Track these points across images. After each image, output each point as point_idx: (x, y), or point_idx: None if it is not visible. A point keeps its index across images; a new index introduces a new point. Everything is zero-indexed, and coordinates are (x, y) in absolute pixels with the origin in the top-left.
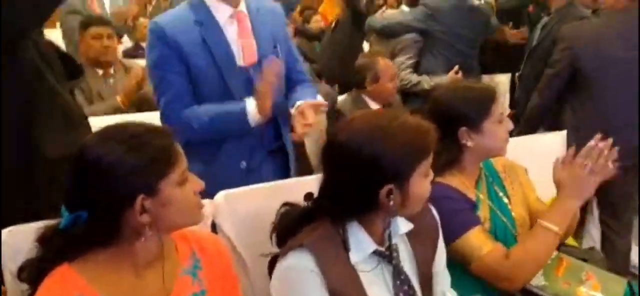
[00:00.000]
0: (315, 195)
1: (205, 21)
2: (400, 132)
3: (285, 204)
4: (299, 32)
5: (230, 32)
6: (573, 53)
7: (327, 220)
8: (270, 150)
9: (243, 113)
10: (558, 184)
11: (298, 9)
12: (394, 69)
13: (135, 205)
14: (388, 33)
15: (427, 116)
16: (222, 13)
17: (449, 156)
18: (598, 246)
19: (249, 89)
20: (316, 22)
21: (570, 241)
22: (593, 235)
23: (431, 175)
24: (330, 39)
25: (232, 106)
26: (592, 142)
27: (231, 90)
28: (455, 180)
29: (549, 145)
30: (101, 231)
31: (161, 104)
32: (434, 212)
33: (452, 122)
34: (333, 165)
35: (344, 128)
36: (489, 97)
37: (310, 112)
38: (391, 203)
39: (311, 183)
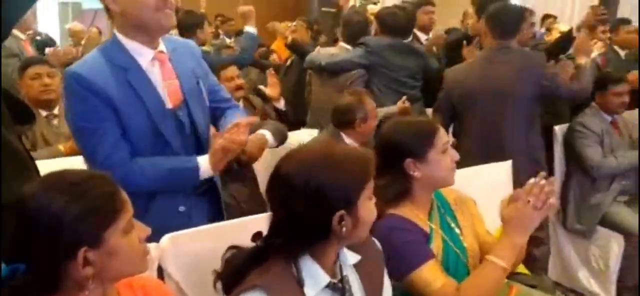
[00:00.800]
0: (265, 233)
1: (129, 65)
2: (343, 159)
3: (231, 248)
4: (255, 63)
5: (154, 74)
6: (445, 91)
7: (279, 257)
8: (201, 192)
9: (196, 169)
10: (504, 220)
11: None
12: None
13: (77, 258)
14: (332, 69)
15: (375, 151)
16: (143, 56)
17: (399, 187)
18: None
19: (181, 132)
20: (273, 60)
21: (520, 268)
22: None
23: (373, 198)
24: (284, 81)
25: (184, 162)
26: (533, 180)
27: (164, 134)
28: (407, 211)
29: (495, 175)
30: (40, 286)
31: (98, 159)
32: (377, 243)
33: (399, 155)
34: (281, 200)
35: (287, 162)
36: (431, 129)
37: (244, 126)
38: (343, 229)
39: (258, 221)
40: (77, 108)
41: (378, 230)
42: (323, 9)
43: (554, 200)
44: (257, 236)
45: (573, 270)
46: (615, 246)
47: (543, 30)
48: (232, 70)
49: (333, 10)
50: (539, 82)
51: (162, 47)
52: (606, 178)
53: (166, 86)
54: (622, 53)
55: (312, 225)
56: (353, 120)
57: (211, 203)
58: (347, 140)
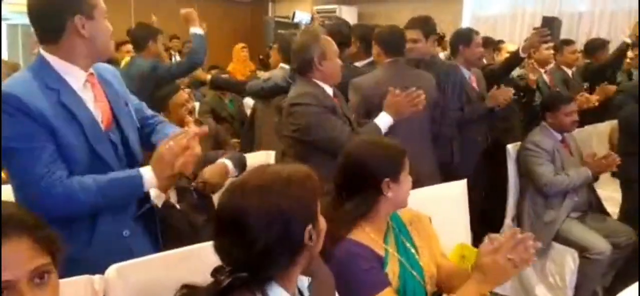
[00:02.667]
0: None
1: (60, 87)
2: (295, 179)
3: (184, 287)
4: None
5: (87, 96)
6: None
7: (245, 291)
8: (139, 215)
9: (139, 177)
10: (480, 268)
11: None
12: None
13: None
14: (267, 93)
15: (342, 170)
16: (75, 78)
17: (367, 209)
18: None
19: (116, 153)
20: None
21: None
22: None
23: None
24: None
25: (126, 173)
26: (519, 236)
27: (102, 155)
28: (364, 235)
29: (450, 193)
30: None
31: (34, 180)
32: (325, 267)
33: (375, 175)
34: (242, 236)
35: (238, 197)
36: (402, 150)
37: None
38: (312, 243)
39: (208, 250)
40: (10, 131)
41: (337, 255)
42: (280, 31)
43: (534, 259)
44: (217, 271)
45: (531, 286)
46: (570, 261)
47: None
48: (182, 96)
49: (294, 31)
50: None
51: (91, 69)
52: (558, 196)
53: (99, 108)
54: (569, 71)
55: (280, 252)
56: (312, 59)
57: (150, 230)
58: (320, 83)
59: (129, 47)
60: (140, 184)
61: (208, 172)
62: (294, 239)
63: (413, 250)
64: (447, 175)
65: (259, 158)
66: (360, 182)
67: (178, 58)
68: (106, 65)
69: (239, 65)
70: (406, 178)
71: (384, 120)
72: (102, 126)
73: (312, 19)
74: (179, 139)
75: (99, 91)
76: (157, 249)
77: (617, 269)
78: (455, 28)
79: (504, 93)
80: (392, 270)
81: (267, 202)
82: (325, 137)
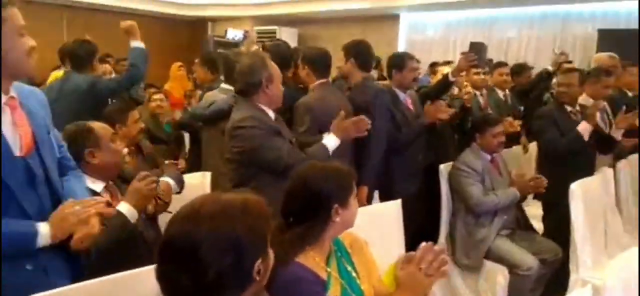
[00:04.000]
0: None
1: None
2: (250, 208)
3: None
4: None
5: (4, 120)
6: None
7: None
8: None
9: (33, 235)
10: (398, 283)
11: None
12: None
13: None
14: (212, 117)
15: (292, 195)
16: None
17: (314, 232)
18: None
19: (29, 179)
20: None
21: None
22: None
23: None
24: None
25: (20, 226)
26: (427, 245)
27: (8, 183)
28: (308, 258)
29: (385, 214)
30: None
31: None
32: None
33: (326, 201)
34: (190, 266)
35: (192, 218)
36: (351, 174)
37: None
38: (259, 277)
39: (129, 277)
40: None
41: (286, 279)
42: (220, 51)
43: (446, 268)
44: None
45: None
46: (501, 278)
47: (430, 76)
48: (135, 115)
49: (237, 51)
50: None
51: (12, 92)
52: (489, 214)
53: (18, 132)
54: (500, 93)
55: (230, 284)
56: (259, 82)
57: (69, 258)
58: (263, 107)
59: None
60: (33, 241)
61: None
62: (246, 271)
63: (354, 274)
64: (387, 195)
65: (196, 179)
66: (311, 208)
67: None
68: (34, 89)
69: (176, 83)
70: (354, 202)
71: (331, 142)
72: (20, 151)
73: (245, 36)
74: (87, 207)
75: (19, 114)
76: (79, 278)
77: (545, 284)
78: (392, 50)
79: (438, 108)
80: (334, 293)
81: (222, 230)
82: (271, 158)
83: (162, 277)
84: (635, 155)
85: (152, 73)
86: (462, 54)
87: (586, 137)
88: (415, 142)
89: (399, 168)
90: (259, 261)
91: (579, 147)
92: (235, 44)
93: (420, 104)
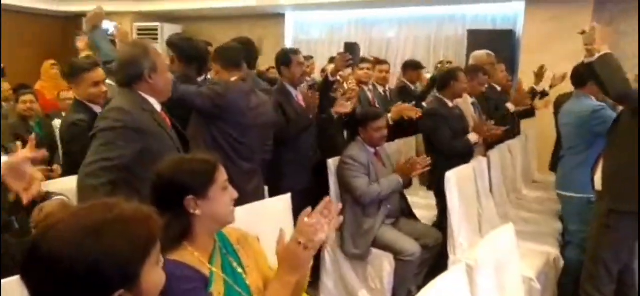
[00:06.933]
0: None
1: None
2: (119, 227)
3: None
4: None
5: None
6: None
7: None
8: None
9: None
10: (278, 260)
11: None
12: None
13: None
14: None
15: (152, 189)
16: None
17: (179, 228)
18: None
19: None
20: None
21: None
22: (330, 288)
23: (162, 260)
24: None
25: None
26: (304, 219)
27: None
28: (187, 255)
29: (276, 208)
30: None
31: None
32: None
33: (179, 193)
34: (41, 285)
35: (46, 235)
36: (212, 165)
37: None
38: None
39: None
40: None
41: None
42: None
43: (322, 236)
44: None
45: (354, 291)
46: (387, 265)
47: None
48: (100, 74)
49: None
50: None
51: None
52: (374, 205)
53: None
54: (381, 89)
55: None
56: (141, 72)
57: None
58: (148, 98)
59: None
60: None
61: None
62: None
63: (240, 270)
64: (278, 190)
65: (63, 185)
66: (164, 202)
67: None
68: None
69: (48, 83)
70: (220, 194)
71: None
72: None
73: (116, 29)
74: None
75: None
76: None
77: (428, 267)
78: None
79: (339, 104)
80: (217, 290)
81: (76, 248)
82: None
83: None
84: (505, 144)
85: (22, 72)
86: (338, 54)
87: (475, 143)
88: (303, 136)
89: (290, 164)
90: (120, 292)
91: (468, 150)
92: (113, 40)
93: None
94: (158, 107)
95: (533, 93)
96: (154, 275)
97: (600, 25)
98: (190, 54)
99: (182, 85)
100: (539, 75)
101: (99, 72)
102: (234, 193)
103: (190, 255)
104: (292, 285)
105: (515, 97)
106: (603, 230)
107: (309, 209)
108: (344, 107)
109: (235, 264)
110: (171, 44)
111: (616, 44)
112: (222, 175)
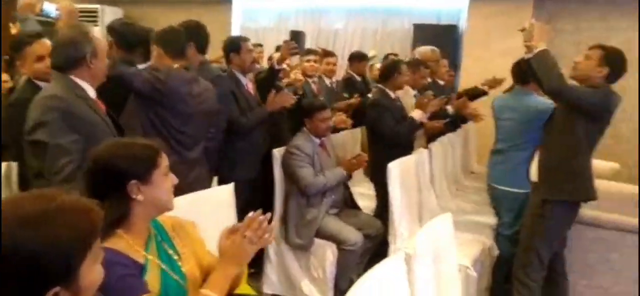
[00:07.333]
0: None
1: None
2: (59, 219)
3: None
4: None
5: None
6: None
7: None
8: None
9: None
10: (221, 252)
11: None
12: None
13: None
14: None
15: (88, 176)
16: None
17: (117, 214)
18: None
19: None
20: None
21: (244, 289)
22: (272, 279)
23: (101, 255)
24: None
25: None
26: (251, 214)
27: None
28: (121, 243)
29: (218, 197)
30: None
31: None
32: None
33: (120, 177)
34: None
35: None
36: (154, 149)
37: None
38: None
39: None
40: None
41: None
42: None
43: (269, 236)
44: None
45: (297, 281)
46: (330, 254)
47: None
48: (44, 47)
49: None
50: None
51: None
52: (318, 195)
53: None
54: (328, 81)
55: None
56: (83, 56)
57: None
58: (83, 84)
59: None
60: None
61: None
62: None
63: (176, 257)
64: (229, 180)
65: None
66: (107, 186)
67: None
68: None
69: None
70: (162, 179)
71: None
72: None
73: (58, 12)
74: None
75: None
76: None
77: (369, 256)
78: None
79: (283, 97)
80: (153, 278)
81: (14, 238)
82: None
83: None
84: (446, 137)
85: None
86: (284, 42)
87: (420, 121)
88: (257, 128)
89: (241, 153)
90: (56, 289)
91: (416, 130)
92: (53, 22)
93: (258, 91)
94: (92, 93)
95: (475, 94)
96: (93, 271)
97: (539, 22)
98: (131, 41)
99: (121, 65)
100: (492, 86)
101: (43, 45)
102: (174, 179)
103: (125, 243)
104: (232, 277)
105: (457, 103)
106: (537, 219)
107: (259, 211)
108: (288, 101)
109: (170, 251)
110: (112, 29)
111: (553, 42)
112: (164, 160)
